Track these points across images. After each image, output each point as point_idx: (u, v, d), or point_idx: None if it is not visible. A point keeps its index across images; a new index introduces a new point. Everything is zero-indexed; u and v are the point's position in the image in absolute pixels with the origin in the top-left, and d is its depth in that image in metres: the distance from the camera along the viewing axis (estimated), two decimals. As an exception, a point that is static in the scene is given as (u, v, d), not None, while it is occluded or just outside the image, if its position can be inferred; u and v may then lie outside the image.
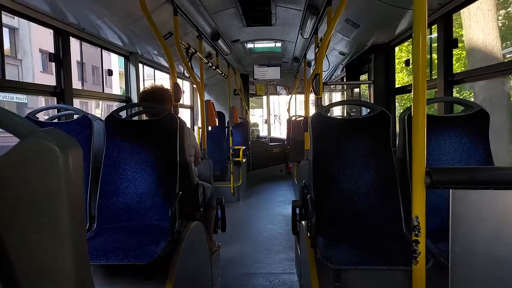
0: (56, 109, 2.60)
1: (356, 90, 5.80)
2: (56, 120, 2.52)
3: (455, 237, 1.04)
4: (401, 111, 2.21)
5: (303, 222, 2.44)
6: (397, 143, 2.29)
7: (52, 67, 2.72)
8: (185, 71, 5.17)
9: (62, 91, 2.70)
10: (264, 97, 9.30)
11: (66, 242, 0.48)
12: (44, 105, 2.54)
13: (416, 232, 1.09)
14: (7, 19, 2.23)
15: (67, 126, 2.30)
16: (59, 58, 2.72)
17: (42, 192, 0.47)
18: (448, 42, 2.66)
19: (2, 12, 2.24)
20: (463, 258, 1.04)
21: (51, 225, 0.48)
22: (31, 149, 0.47)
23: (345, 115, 5.95)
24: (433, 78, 2.98)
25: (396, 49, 4.01)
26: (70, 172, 0.48)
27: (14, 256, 0.48)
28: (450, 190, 1.04)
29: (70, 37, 2.82)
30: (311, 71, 5.72)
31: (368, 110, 2.27)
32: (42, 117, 2.57)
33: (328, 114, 2.29)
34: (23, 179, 0.47)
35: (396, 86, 4.01)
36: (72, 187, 0.48)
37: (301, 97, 8.49)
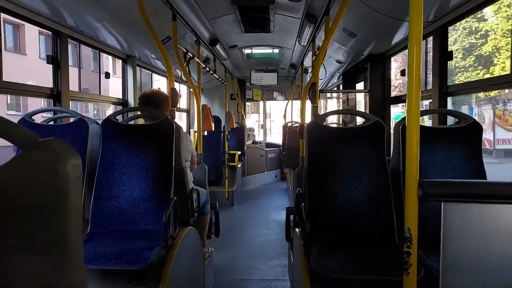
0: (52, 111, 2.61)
1: (352, 97, 5.85)
2: (52, 123, 2.51)
3: (446, 249, 1.06)
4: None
5: (296, 230, 2.45)
6: (391, 152, 2.31)
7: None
8: (182, 75, 5.18)
9: (58, 93, 2.70)
10: (261, 103, 9.33)
11: (64, 251, 0.49)
12: (41, 107, 2.54)
13: (408, 243, 1.11)
14: None
15: (64, 129, 2.30)
16: (57, 60, 2.73)
17: (41, 202, 0.48)
18: (443, 54, 2.70)
19: (2, 14, 2.24)
20: (453, 269, 1.06)
21: (50, 235, 0.48)
22: (32, 159, 0.48)
23: (340, 122, 5.99)
24: (428, 89, 3.02)
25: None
26: (69, 183, 0.49)
27: (11, 265, 0.48)
28: (442, 203, 1.06)
29: (68, 39, 2.83)
30: (308, 78, 5.76)
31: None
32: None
33: (324, 123, 2.31)
34: (23, 189, 0.48)
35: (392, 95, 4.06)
36: (71, 198, 0.49)
37: (297, 103, 8.54)
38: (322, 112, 6.26)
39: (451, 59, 2.67)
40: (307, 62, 5.62)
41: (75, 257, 0.50)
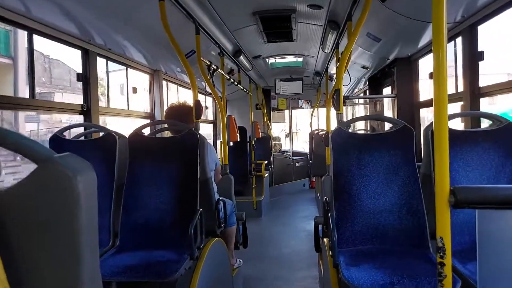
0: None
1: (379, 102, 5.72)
2: (82, 138, 2.60)
3: (483, 259, 0.99)
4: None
5: (325, 240, 2.39)
6: (422, 158, 2.23)
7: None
8: (207, 87, 5.25)
9: (88, 110, 2.80)
10: (286, 111, 9.30)
11: (79, 267, 0.49)
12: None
13: (441, 254, 1.05)
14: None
15: (93, 143, 2.37)
16: (87, 77, 2.83)
17: (56, 217, 0.49)
18: (473, 55, 2.60)
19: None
20: (492, 280, 0.99)
21: (65, 250, 0.49)
22: (46, 174, 0.48)
23: (368, 129, 5.86)
24: (459, 91, 2.91)
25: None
26: (84, 197, 0.49)
27: (28, 281, 0.49)
28: (476, 210, 1.00)
29: (97, 57, 2.94)
30: (333, 85, 5.71)
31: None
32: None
33: (350, 129, 2.26)
34: (39, 204, 0.49)
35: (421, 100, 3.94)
36: (86, 212, 0.50)
37: (324, 111, 8.45)
38: (348, 119, 6.16)
39: (482, 59, 2.56)
40: (332, 69, 5.57)
41: (91, 273, 0.50)
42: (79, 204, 0.48)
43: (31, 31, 2.33)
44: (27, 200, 0.49)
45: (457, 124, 2.96)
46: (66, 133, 2.41)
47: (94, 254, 0.51)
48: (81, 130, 2.72)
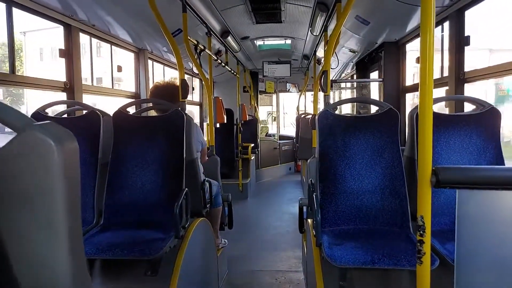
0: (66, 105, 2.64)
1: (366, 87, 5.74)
2: (65, 116, 2.54)
3: (461, 238, 1.02)
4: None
5: (309, 220, 2.43)
6: (405, 142, 2.27)
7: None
8: (194, 68, 5.18)
9: (71, 87, 2.73)
10: (274, 94, 9.28)
11: (61, 236, 0.48)
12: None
13: (421, 232, 1.07)
14: None
15: (76, 121, 2.32)
16: (69, 53, 2.75)
17: (37, 186, 0.47)
18: (460, 39, 2.62)
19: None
20: (469, 259, 1.02)
21: (46, 220, 0.48)
22: (26, 142, 0.47)
23: (354, 113, 5.90)
24: (444, 76, 2.94)
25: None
26: (65, 166, 0.48)
27: (9, 251, 0.48)
28: (457, 190, 1.02)
29: (80, 33, 2.85)
30: (321, 68, 5.69)
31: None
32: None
33: (337, 112, 2.27)
34: (19, 173, 0.47)
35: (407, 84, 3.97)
36: (68, 181, 0.48)
37: (311, 95, 8.45)
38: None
39: (468, 44, 2.59)
40: (320, 52, 5.54)
41: (74, 241, 0.49)
42: (60, 173, 0.47)
43: (9, 4, 2.24)
44: (5, 169, 0.47)
45: (441, 110, 3.00)
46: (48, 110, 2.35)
47: (77, 225, 0.51)
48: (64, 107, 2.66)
